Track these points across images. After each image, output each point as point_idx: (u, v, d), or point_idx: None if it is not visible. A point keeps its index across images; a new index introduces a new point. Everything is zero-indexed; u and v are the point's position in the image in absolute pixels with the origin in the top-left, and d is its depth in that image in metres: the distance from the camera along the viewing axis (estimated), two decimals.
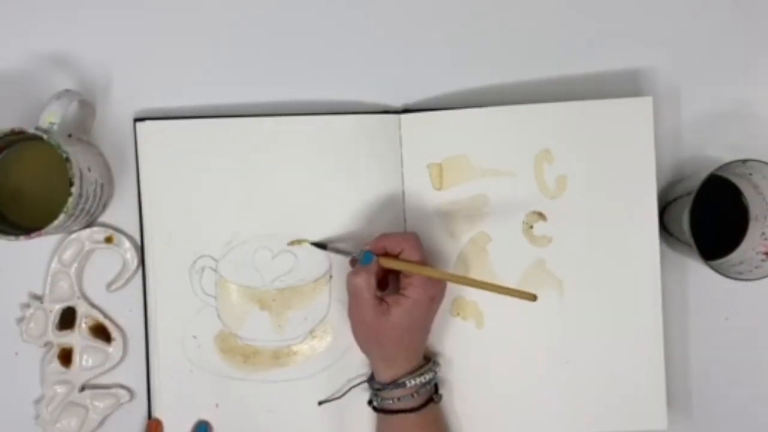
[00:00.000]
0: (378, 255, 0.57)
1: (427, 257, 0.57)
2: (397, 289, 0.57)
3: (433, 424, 0.57)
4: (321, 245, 0.60)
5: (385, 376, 0.56)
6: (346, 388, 0.60)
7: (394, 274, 0.59)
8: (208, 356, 0.61)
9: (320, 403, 0.60)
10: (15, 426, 0.61)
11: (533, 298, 0.53)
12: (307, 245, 0.61)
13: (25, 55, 0.63)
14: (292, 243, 0.61)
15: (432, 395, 0.57)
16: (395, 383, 0.56)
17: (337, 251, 0.60)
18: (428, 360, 0.59)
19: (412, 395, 0.56)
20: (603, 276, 0.60)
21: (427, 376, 0.57)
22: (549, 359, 0.60)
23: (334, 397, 0.60)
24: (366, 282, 0.55)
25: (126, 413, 0.62)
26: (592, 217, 0.60)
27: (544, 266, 0.60)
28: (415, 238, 0.57)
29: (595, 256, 0.60)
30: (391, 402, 0.56)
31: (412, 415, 0.56)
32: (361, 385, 0.60)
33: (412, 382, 0.56)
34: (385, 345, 0.56)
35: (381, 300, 0.56)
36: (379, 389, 0.57)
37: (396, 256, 0.56)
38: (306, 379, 0.60)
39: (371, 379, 0.59)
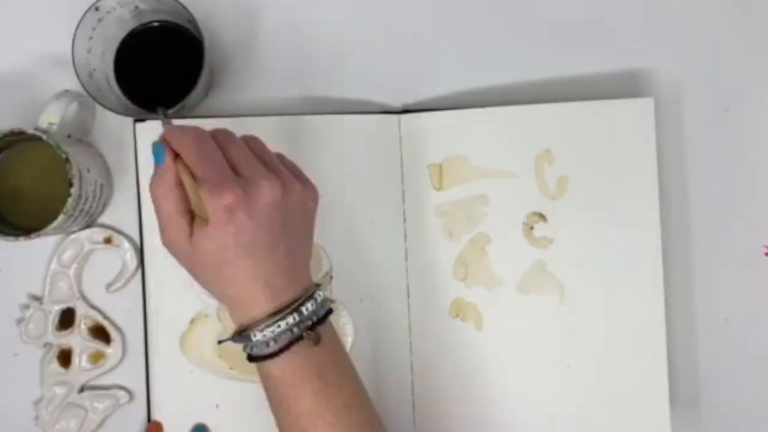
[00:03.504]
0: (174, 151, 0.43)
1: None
2: None
3: (311, 368, 0.44)
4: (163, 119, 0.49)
5: (233, 322, 0.45)
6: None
7: None
8: (208, 357, 0.61)
9: (219, 342, 0.50)
10: (14, 427, 0.61)
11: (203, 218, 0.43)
12: None
13: (25, 55, 0.63)
14: None
15: (302, 334, 0.44)
16: (241, 335, 0.44)
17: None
18: (299, 297, 0.45)
19: (268, 344, 0.44)
20: (604, 278, 0.60)
21: (283, 323, 0.43)
22: (549, 362, 0.60)
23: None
24: (166, 190, 0.43)
25: (125, 414, 0.62)
26: (593, 218, 0.60)
27: (545, 268, 0.60)
28: (194, 133, 0.43)
29: (596, 258, 0.60)
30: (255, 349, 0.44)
31: (272, 362, 0.44)
32: None
33: (259, 336, 0.43)
34: (209, 280, 0.45)
35: (194, 216, 0.44)
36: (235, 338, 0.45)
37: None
38: None
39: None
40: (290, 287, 0.45)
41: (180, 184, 0.44)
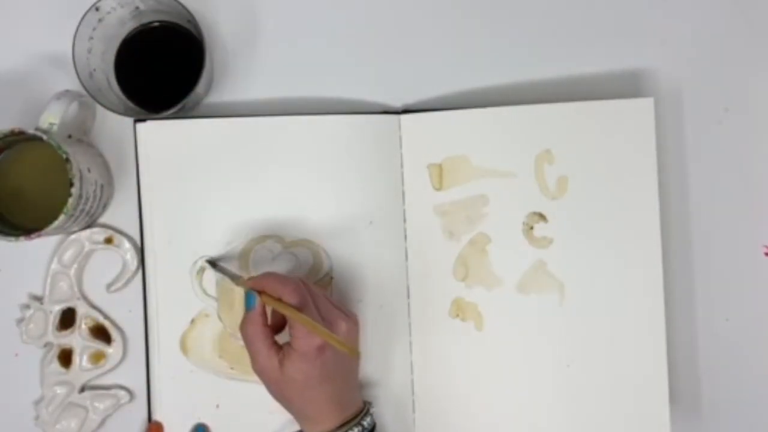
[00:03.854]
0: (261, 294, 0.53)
1: (311, 307, 0.52)
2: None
3: None
4: (212, 263, 0.60)
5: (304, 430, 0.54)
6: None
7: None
8: (209, 357, 0.61)
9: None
10: (15, 427, 0.61)
11: (355, 354, 0.52)
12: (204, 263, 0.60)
13: (25, 55, 0.63)
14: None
15: None
16: None
17: (225, 273, 0.58)
18: (359, 411, 0.54)
19: None
20: (604, 278, 0.60)
21: None
22: (549, 362, 0.60)
23: None
24: (256, 330, 0.52)
25: (126, 414, 0.62)
26: (593, 218, 0.60)
27: (545, 268, 0.60)
28: (295, 284, 0.52)
29: (596, 258, 0.60)
30: None
31: None
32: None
33: None
34: (292, 401, 0.53)
35: (279, 348, 0.53)
36: None
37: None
38: None
39: None
40: (353, 404, 0.55)
41: (266, 324, 0.53)
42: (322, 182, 0.61)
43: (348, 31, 0.64)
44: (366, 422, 0.54)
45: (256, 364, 0.53)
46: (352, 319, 0.55)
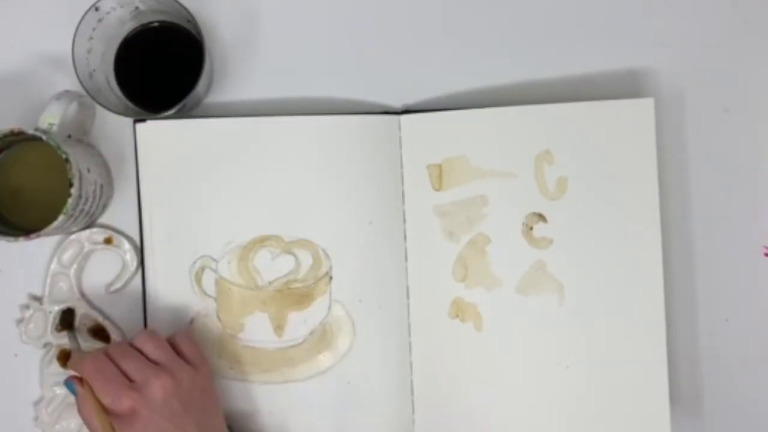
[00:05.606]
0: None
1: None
2: None
3: None
4: (70, 324, 0.60)
5: None
6: None
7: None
8: (208, 357, 0.60)
9: None
10: (14, 427, 0.61)
11: None
12: None
13: (25, 55, 0.63)
14: None
15: None
16: None
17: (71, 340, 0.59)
18: None
19: None
20: (604, 279, 0.60)
21: None
22: (549, 363, 0.60)
23: None
24: (90, 412, 0.52)
25: None
26: (592, 219, 0.60)
27: (544, 268, 0.60)
28: (92, 359, 0.53)
29: (595, 259, 0.60)
30: None
31: None
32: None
33: None
34: None
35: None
36: None
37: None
38: (306, 381, 0.60)
39: None
40: None
41: (96, 399, 0.52)
42: (322, 182, 0.61)
43: (348, 32, 0.64)
44: None
45: None
46: (180, 371, 0.53)
